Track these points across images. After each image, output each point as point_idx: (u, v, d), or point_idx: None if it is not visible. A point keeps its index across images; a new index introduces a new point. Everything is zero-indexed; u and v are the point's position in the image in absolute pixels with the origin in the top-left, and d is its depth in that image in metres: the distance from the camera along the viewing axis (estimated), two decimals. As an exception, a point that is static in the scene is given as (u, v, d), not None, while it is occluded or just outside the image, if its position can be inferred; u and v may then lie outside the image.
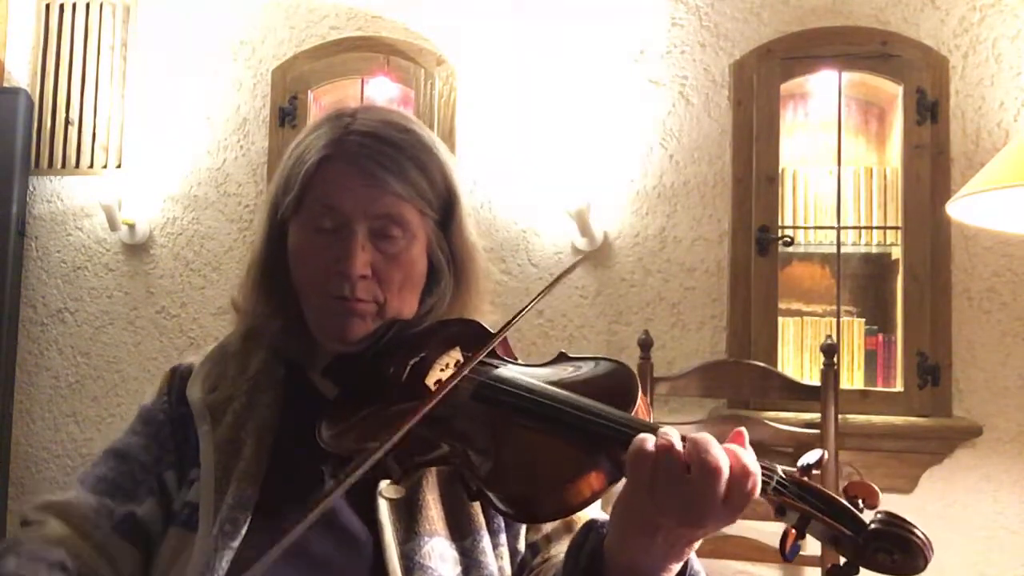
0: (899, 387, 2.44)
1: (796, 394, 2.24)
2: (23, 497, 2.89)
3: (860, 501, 0.65)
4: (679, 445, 0.66)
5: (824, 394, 2.15)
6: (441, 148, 0.96)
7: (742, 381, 2.30)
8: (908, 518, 0.64)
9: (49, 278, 2.94)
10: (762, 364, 2.31)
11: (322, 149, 0.90)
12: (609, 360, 0.82)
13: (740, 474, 0.64)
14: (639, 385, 0.76)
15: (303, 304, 0.94)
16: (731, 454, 0.65)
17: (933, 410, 2.39)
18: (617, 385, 0.77)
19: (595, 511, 0.92)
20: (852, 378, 2.50)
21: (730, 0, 2.63)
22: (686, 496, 0.64)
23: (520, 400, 0.77)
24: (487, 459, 0.74)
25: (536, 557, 0.91)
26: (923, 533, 0.62)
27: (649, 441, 0.66)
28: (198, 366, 0.98)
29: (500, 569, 0.87)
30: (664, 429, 0.68)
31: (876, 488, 0.66)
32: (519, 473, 0.73)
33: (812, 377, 2.45)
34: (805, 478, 0.67)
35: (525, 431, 0.75)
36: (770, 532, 2.33)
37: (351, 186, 0.89)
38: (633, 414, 0.72)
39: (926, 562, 0.62)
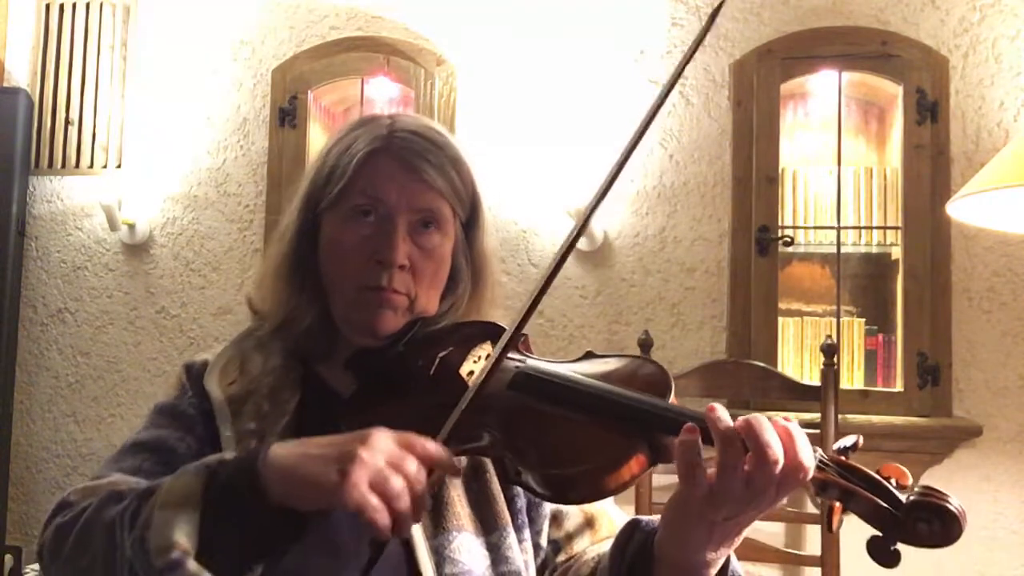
0: (899, 387, 2.44)
1: (796, 394, 2.24)
2: (23, 497, 2.90)
3: (894, 481, 0.69)
4: (732, 432, 0.67)
5: (824, 394, 2.15)
6: (470, 156, 1.01)
7: (742, 381, 2.29)
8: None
9: (49, 278, 2.94)
10: (762, 364, 2.31)
11: (371, 143, 0.94)
12: (638, 356, 0.86)
13: (793, 458, 0.67)
14: (670, 376, 0.79)
15: (332, 297, 0.95)
16: (783, 433, 0.67)
17: (933, 410, 2.39)
18: (652, 377, 0.80)
19: (614, 512, 0.96)
20: (852, 378, 2.50)
21: (730, 0, 2.63)
22: (743, 483, 0.66)
23: (560, 389, 0.79)
24: (524, 446, 0.75)
25: (559, 554, 0.93)
26: (958, 503, 0.66)
27: (698, 432, 0.68)
28: (214, 359, 0.98)
29: (525, 563, 0.89)
30: (717, 414, 0.69)
31: (907, 471, 0.70)
32: (562, 457, 0.74)
33: (812, 377, 2.45)
34: (843, 457, 0.70)
35: (566, 419, 0.77)
36: (770, 532, 2.33)
37: (398, 179, 0.93)
38: (669, 400, 0.75)
39: (961, 530, 0.67)
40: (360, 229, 0.93)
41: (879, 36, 2.52)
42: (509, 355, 0.85)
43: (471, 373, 0.87)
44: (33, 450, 2.92)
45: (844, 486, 0.68)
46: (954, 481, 2.41)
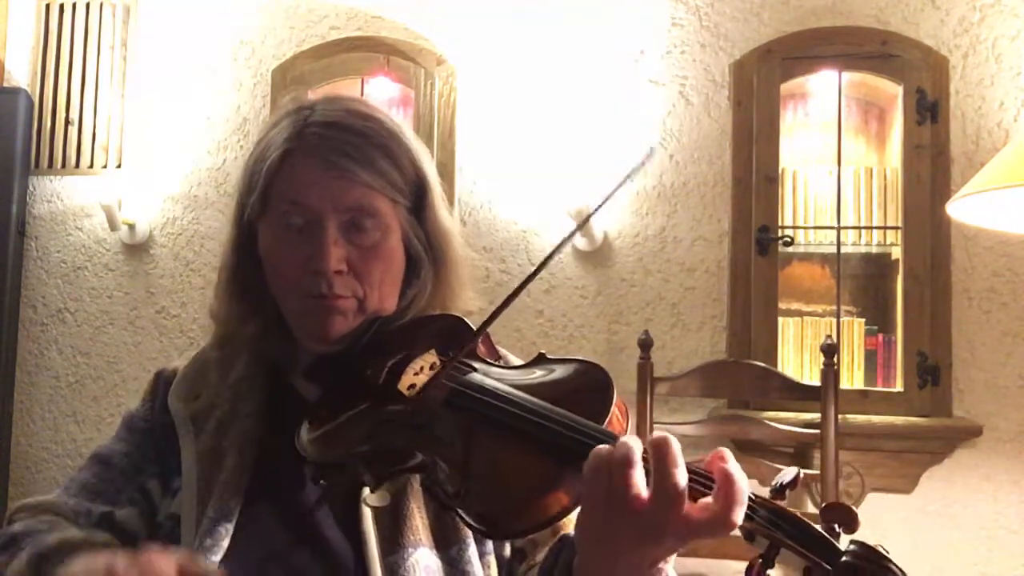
0: (899, 387, 2.44)
1: (796, 394, 2.24)
2: (23, 497, 2.89)
3: (837, 526, 0.62)
4: (636, 463, 0.61)
5: (824, 394, 2.15)
6: (408, 133, 0.92)
7: (742, 381, 2.29)
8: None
9: (49, 278, 2.94)
10: (762, 364, 2.31)
11: (283, 144, 0.87)
12: (586, 363, 0.78)
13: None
14: (613, 391, 0.72)
15: (281, 306, 0.90)
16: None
17: (933, 410, 2.39)
18: (590, 392, 0.73)
19: None
20: (852, 378, 2.50)
21: (730, 0, 2.63)
22: (643, 517, 0.61)
23: (489, 408, 0.73)
24: (456, 471, 0.71)
25: (523, 563, 0.89)
26: (898, 568, 0.58)
27: (603, 459, 0.62)
28: (181, 371, 0.96)
29: None
30: (623, 441, 0.63)
31: (855, 511, 0.62)
32: (486, 488, 0.69)
33: (812, 377, 2.45)
34: (778, 502, 0.63)
35: (493, 442, 0.72)
36: (770, 532, 2.33)
37: (317, 180, 0.85)
38: (607, 423, 0.69)
39: None
40: (289, 237, 0.87)
41: (879, 36, 2.52)
42: (461, 361, 0.80)
43: (412, 387, 0.81)
44: (33, 450, 2.92)
45: (771, 536, 0.61)
46: (954, 481, 2.41)
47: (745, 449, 2.39)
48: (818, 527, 0.61)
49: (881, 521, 2.37)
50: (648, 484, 0.61)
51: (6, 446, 2.86)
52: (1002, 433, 2.40)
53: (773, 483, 0.64)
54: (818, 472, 2.14)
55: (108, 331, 2.90)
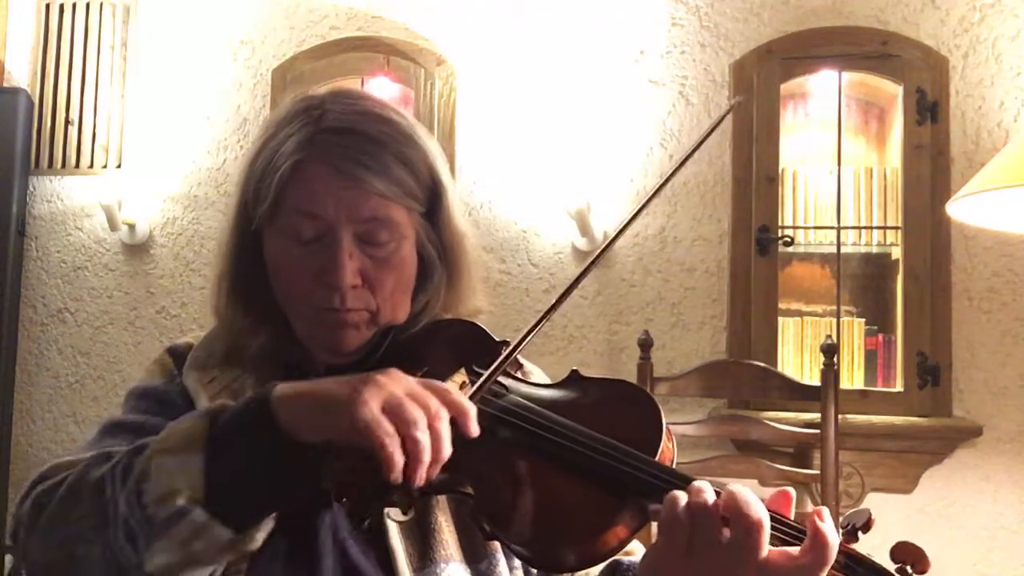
0: (899, 387, 2.44)
1: (796, 394, 2.24)
2: (23, 497, 2.90)
3: (909, 567, 0.63)
4: (713, 502, 0.63)
5: (824, 394, 2.15)
6: (422, 134, 0.88)
7: (742, 381, 2.29)
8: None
9: (49, 278, 2.94)
10: (762, 364, 2.31)
11: (294, 152, 0.81)
12: (628, 385, 0.77)
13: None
14: (663, 419, 0.71)
15: (289, 316, 0.87)
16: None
17: (933, 410, 2.39)
18: (642, 421, 0.71)
19: None
20: (852, 378, 2.50)
21: (730, 0, 2.63)
22: (723, 557, 0.62)
23: (534, 438, 0.70)
24: (503, 501, 0.68)
25: None
26: None
27: (682, 501, 0.63)
28: (194, 350, 0.93)
29: None
30: (697, 484, 0.64)
31: (925, 552, 0.64)
32: (539, 521, 0.67)
33: (812, 377, 2.45)
34: (851, 546, 0.64)
35: (545, 473, 0.69)
36: (770, 532, 2.32)
37: (331, 190, 0.81)
38: (659, 454, 0.69)
39: None
40: (301, 248, 0.82)
41: (879, 36, 2.52)
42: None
43: None
44: (33, 450, 2.91)
45: None
46: (954, 481, 2.41)
47: (745, 449, 2.39)
48: (891, 570, 0.63)
49: (881, 521, 2.36)
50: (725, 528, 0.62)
51: (6, 446, 2.86)
52: (1002, 433, 2.40)
53: (845, 525, 0.65)
54: (818, 472, 2.14)
55: (108, 331, 2.90)
